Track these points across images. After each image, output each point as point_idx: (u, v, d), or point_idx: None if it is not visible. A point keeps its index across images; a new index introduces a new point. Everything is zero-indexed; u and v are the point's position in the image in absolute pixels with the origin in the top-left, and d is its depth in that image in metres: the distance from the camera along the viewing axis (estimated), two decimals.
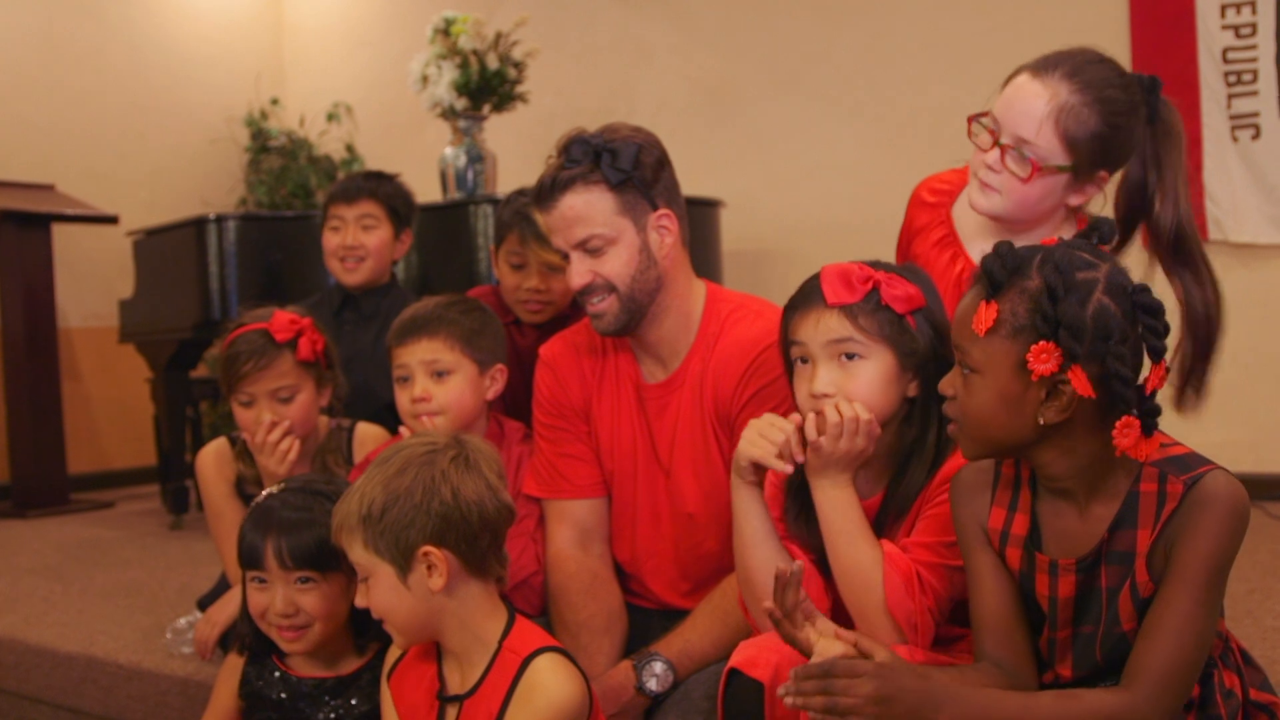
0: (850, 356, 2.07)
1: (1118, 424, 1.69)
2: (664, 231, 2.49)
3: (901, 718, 1.65)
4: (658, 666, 2.38)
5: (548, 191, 2.43)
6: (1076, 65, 2.24)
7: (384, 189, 3.81)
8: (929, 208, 2.53)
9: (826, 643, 1.76)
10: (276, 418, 2.82)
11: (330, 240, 3.75)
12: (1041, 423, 1.74)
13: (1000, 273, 1.74)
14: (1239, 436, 4.89)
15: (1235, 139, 4.94)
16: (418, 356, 2.70)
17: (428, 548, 1.97)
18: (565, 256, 2.49)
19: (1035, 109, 2.21)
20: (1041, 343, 1.69)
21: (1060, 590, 1.83)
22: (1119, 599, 1.77)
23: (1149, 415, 1.71)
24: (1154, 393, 1.72)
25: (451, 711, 2.05)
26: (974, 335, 1.75)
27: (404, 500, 1.96)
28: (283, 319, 2.85)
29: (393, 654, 2.18)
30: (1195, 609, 1.69)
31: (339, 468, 2.92)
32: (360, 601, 2.03)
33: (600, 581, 2.60)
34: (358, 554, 2.00)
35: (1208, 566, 1.69)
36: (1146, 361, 1.73)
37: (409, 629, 2.03)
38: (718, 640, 2.40)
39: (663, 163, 2.49)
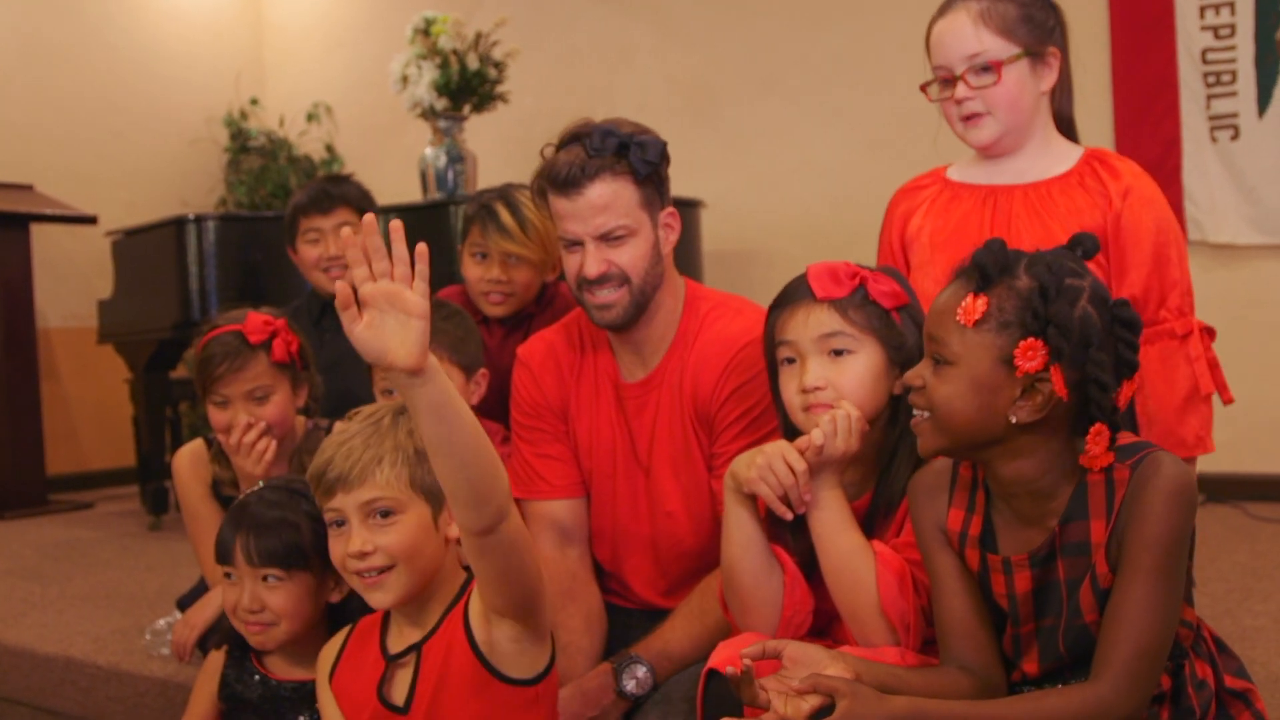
0: (839, 352, 2.07)
1: (1092, 430, 1.71)
2: (669, 230, 2.51)
3: None
4: (638, 670, 2.38)
5: (575, 179, 2.40)
6: None
7: (353, 193, 3.80)
8: (912, 191, 2.57)
9: (794, 706, 1.75)
10: (252, 419, 2.80)
11: (310, 253, 3.71)
12: (1014, 421, 1.74)
13: (992, 267, 1.74)
14: (1218, 437, 4.87)
15: (1214, 139, 4.96)
16: None
17: None
18: (573, 245, 2.47)
19: (963, 27, 2.36)
20: (1030, 339, 1.71)
21: (1017, 587, 1.83)
22: (1080, 591, 1.77)
23: (1114, 426, 1.73)
24: (1115, 407, 1.73)
25: (400, 675, 2.01)
26: (956, 326, 1.76)
27: None
28: (256, 320, 2.83)
29: (326, 658, 2.14)
30: (1154, 595, 1.69)
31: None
32: (369, 543, 1.94)
33: (579, 583, 2.60)
34: (396, 489, 1.94)
35: (1161, 550, 1.70)
36: None
37: (421, 572, 1.97)
38: (697, 641, 2.40)
39: (669, 162, 2.51)
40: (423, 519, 1.96)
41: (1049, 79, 2.39)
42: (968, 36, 2.35)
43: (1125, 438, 1.79)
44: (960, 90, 2.37)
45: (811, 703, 1.73)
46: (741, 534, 2.10)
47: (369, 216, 1.65)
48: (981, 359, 1.74)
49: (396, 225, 1.66)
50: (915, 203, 2.53)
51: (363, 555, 1.94)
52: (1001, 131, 2.39)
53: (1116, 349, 1.73)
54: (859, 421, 2.03)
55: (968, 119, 2.40)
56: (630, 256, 2.44)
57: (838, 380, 2.07)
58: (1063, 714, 1.68)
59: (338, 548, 1.99)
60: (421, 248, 1.65)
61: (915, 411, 1.84)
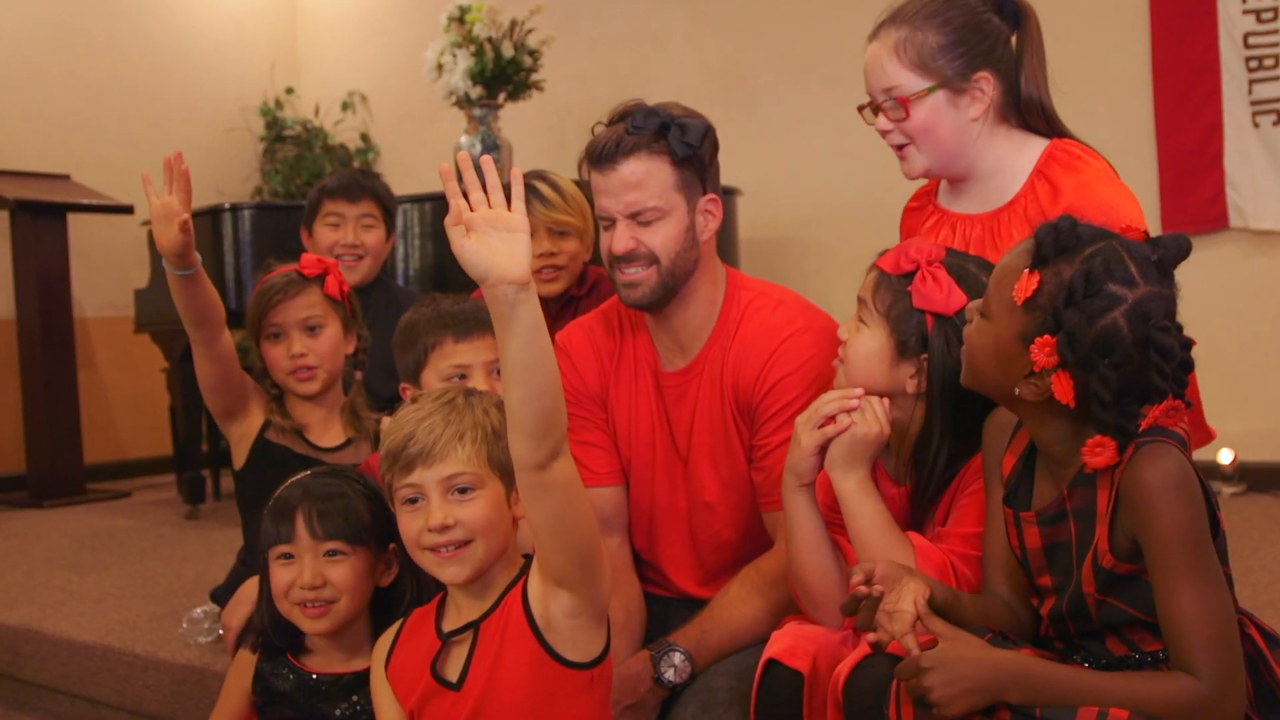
0: (862, 320, 2.13)
1: (1089, 441, 1.73)
2: (709, 216, 2.49)
3: (971, 697, 1.67)
4: (676, 657, 2.37)
5: (610, 154, 2.41)
6: (895, 10, 2.39)
7: (380, 189, 3.86)
8: (913, 212, 2.60)
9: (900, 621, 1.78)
10: (304, 349, 2.86)
11: (327, 236, 3.74)
12: (1016, 393, 1.79)
13: (1049, 247, 1.76)
14: (1259, 425, 4.86)
15: (1256, 125, 4.91)
16: (482, 356, 2.61)
17: None
18: (608, 224, 2.47)
19: (878, 60, 2.36)
20: (1046, 336, 1.72)
21: (1028, 541, 1.87)
22: (1085, 561, 1.78)
23: (1123, 435, 1.72)
24: (1151, 428, 1.72)
25: (455, 652, 2.03)
26: (1005, 290, 1.79)
27: None
28: (310, 258, 2.94)
29: (381, 646, 2.15)
30: (1199, 589, 1.68)
31: (368, 415, 2.96)
32: (450, 516, 1.96)
33: (619, 573, 2.59)
34: (476, 465, 1.98)
35: (1181, 545, 1.68)
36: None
37: (494, 549, 2.00)
38: (735, 631, 2.39)
39: (717, 149, 2.51)
40: (498, 496, 1.99)
41: (977, 107, 2.34)
42: (881, 73, 2.35)
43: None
44: (880, 122, 2.38)
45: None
46: (804, 531, 2.13)
47: (463, 153, 1.77)
48: (1008, 327, 1.79)
49: (487, 160, 1.77)
50: (917, 223, 2.55)
51: (444, 529, 1.96)
52: (927, 162, 2.38)
53: (1146, 372, 1.70)
54: (885, 406, 2.07)
55: (895, 148, 2.41)
56: (661, 238, 2.43)
57: (849, 343, 2.14)
58: (1166, 702, 1.66)
59: (414, 523, 2.00)
60: (515, 171, 1.79)
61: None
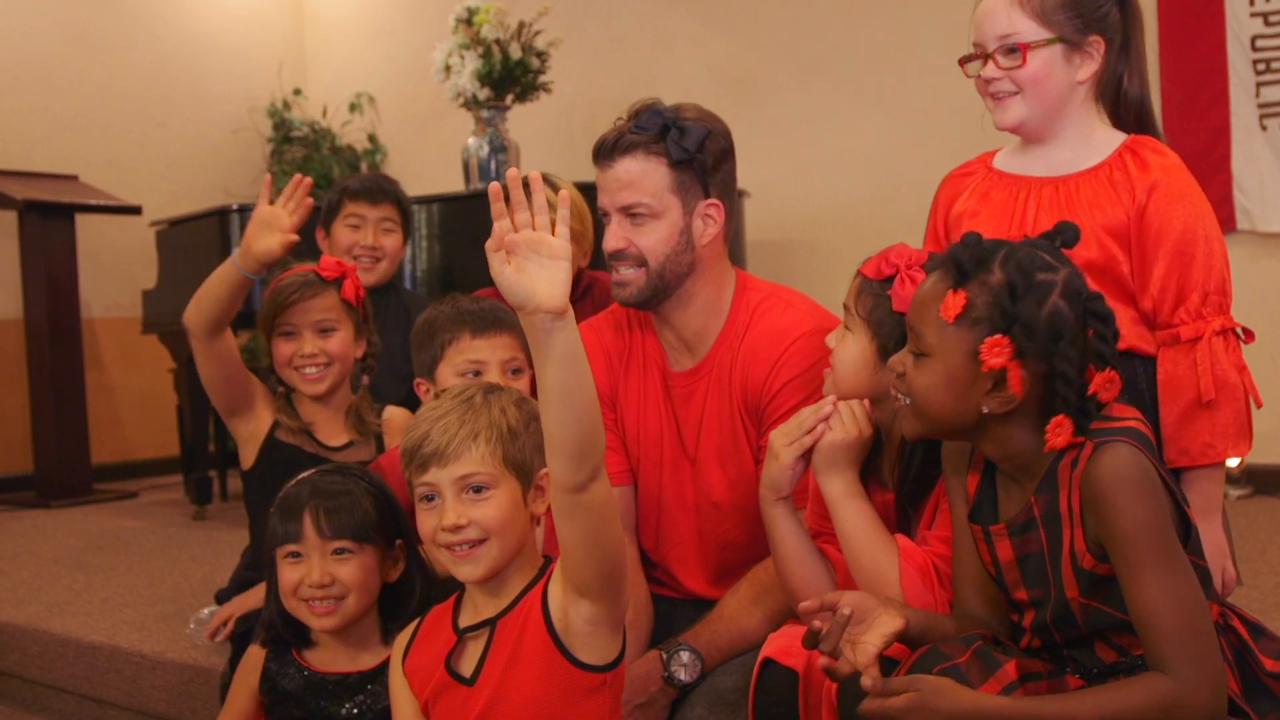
0: (846, 327, 2.15)
1: (1051, 421, 1.75)
2: (709, 221, 2.49)
3: None
4: (685, 656, 2.37)
5: (608, 150, 2.44)
6: None
7: (400, 194, 3.89)
8: (959, 178, 2.55)
9: (862, 653, 1.78)
10: (316, 350, 2.86)
11: (346, 237, 3.75)
12: (985, 412, 1.79)
13: (968, 262, 1.78)
14: (1266, 428, 4.80)
15: (1264, 127, 4.90)
16: (498, 354, 2.63)
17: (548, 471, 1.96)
18: (606, 219, 2.49)
19: (999, 7, 2.34)
20: (996, 336, 1.75)
21: (1000, 555, 1.88)
22: (1061, 565, 1.80)
23: (1084, 415, 1.75)
24: (1094, 395, 1.76)
25: (471, 647, 2.03)
26: (935, 319, 1.80)
27: (536, 423, 1.94)
28: (329, 260, 2.94)
29: (400, 642, 2.16)
30: (1166, 582, 1.69)
31: (371, 419, 2.97)
32: (463, 516, 1.96)
33: None
34: (490, 465, 1.98)
35: (1142, 540, 1.70)
36: None
37: (510, 548, 2.00)
38: (745, 631, 2.40)
39: (726, 154, 2.51)
40: (514, 495, 1.99)
41: (1087, 69, 2.34)
42: (1001, 16, 2.33)
43: (1122, 410, 1.81)
44: (988, 70, 2.36)
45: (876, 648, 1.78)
46: (787, 544, 2.17)
47: (513, 170, 1.73)
48: (955, 352, 1.79)
49: (535, 176, 1.74)
50: (960, 188, 2.51)
51: (457, 529, 1.97)
52: (1026, 114, 2.36)
53: (1088, 341, 1.76)
54: (864, 407, 2.10)
55: (996, 98, 2.39)
56: (651, 239, 2.44)
57: (835, 350, 2.17)
58: (1145, 707, 1.66)
59: (429, 521, 2.00)
60: (564, 194, 1.77)
61: (897, 395, 1.89)
